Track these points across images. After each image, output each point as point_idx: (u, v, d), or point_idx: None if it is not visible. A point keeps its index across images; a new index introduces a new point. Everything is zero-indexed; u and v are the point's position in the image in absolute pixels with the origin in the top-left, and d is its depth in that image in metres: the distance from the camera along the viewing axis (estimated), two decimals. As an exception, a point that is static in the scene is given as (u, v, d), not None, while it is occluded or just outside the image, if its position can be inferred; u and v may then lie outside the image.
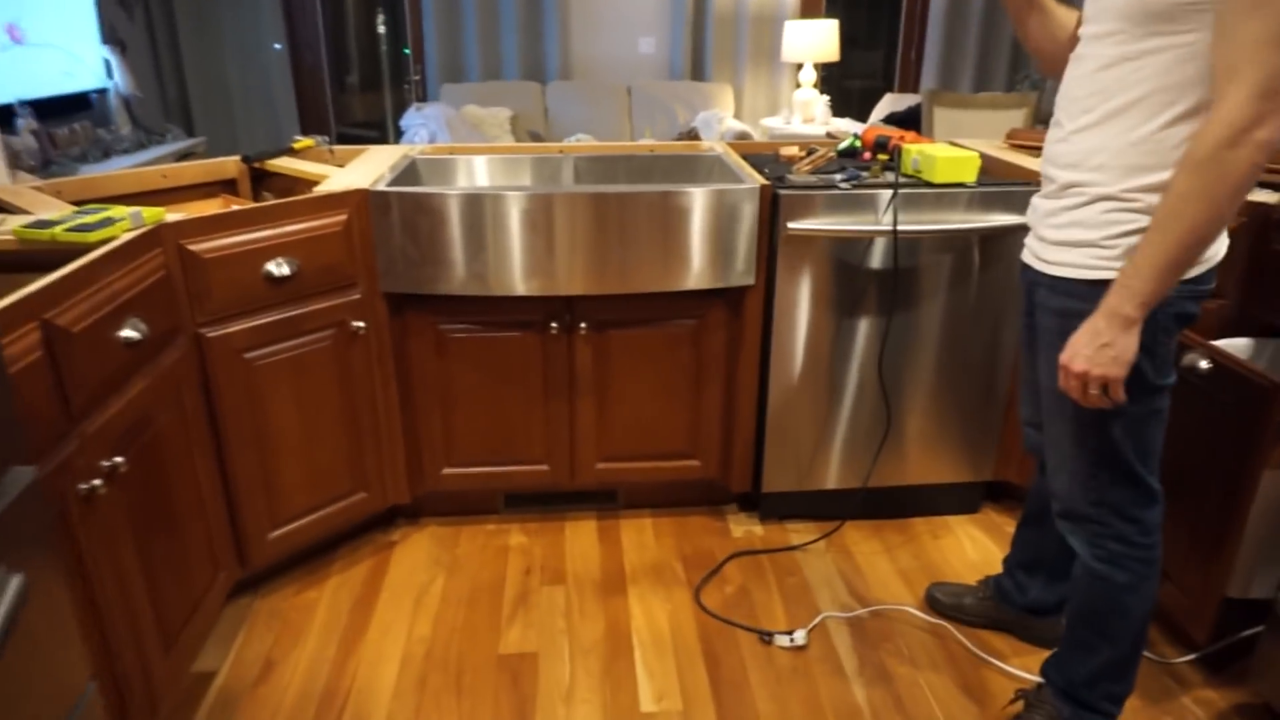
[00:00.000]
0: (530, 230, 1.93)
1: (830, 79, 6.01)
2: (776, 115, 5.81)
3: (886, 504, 2.31)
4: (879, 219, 1.98)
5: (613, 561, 2.13)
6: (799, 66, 5.47)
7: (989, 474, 2.27)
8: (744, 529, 2.27)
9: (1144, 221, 1.24)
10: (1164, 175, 1.22)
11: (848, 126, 5.36)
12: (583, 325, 2.05)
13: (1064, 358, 1.29)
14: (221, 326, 1.72)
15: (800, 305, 2.04)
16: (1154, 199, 1.23)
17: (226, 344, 1.73)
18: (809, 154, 2.33)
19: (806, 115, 5.48)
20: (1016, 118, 3.42)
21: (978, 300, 2.08)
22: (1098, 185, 1.28)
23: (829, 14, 5.69)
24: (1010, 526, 2.29)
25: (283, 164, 2.23)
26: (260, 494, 1.87)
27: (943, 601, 1.94)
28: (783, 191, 1.95)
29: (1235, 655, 1.81)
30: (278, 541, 1.93)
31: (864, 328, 2.08)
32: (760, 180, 2.00)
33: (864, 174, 2.07)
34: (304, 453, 1.92)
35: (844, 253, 2.01)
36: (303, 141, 2.35)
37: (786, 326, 2.06)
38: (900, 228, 1.96)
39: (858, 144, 2.30)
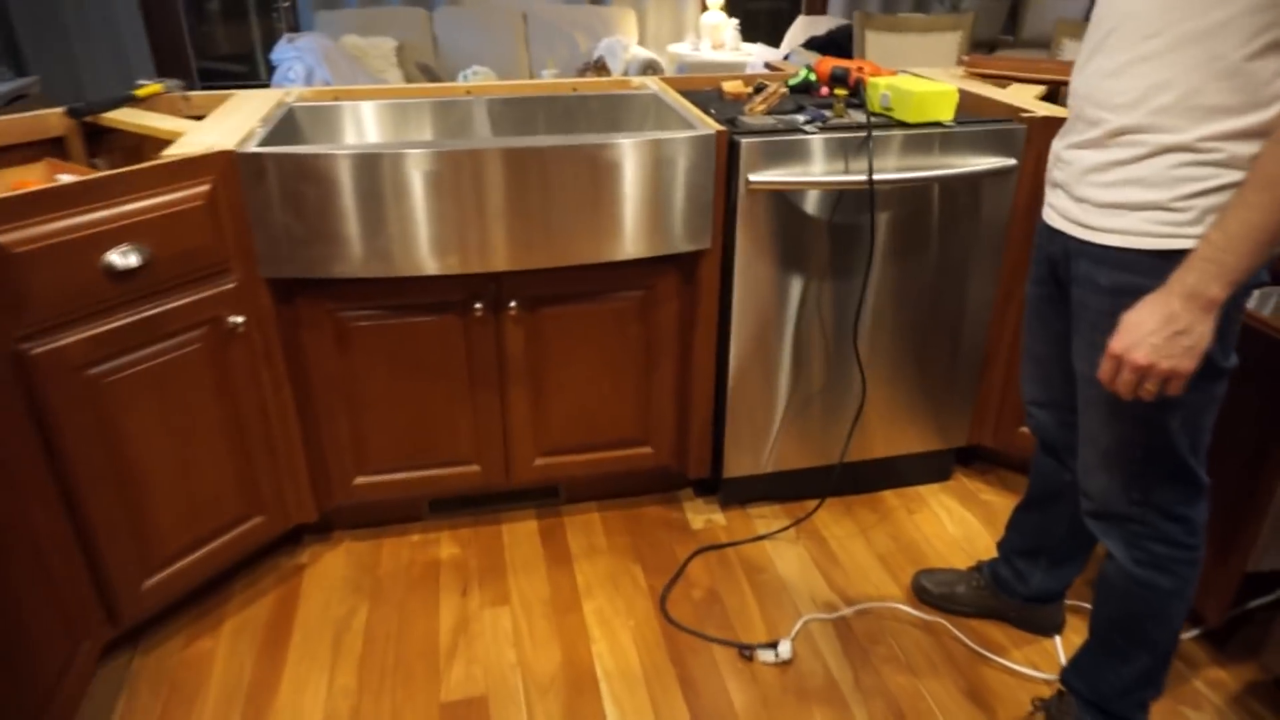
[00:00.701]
0: (442, 195, 1.59)
1: (734, 0, 5.67)
2: (683, 41, 5.47)
3: (854, 479, 2.11)
4: (848, 166, 1.72)
5: (562, 571, 1.87)
6: (706, -13, 5.12)
7: (963, 440, 2.09)
8: (704, 518, 2.03)
9: (1227, 177, 1.01)
10: (1252, 119, 0.99)
11: (762, 52, 5.06)
12: (512, 304, 1.73)
13: (1119, 346, 1.07)
14: (50, 339, 1.33)
15: (762, 269, 1.78)
16: (1240, 148, 1.00)
17: (59, 360, 1.34)
18: (757, 90, 2.04)
19: (716, 40, 5.16)
20: (952, 41, 3.19)
21: (952, 253, 1.86)
22: (1164, 132, 1.04)
23: (735, -71, 5.33)
24: (985, 492, 2.13)
25: (122, 117, 1.79)
26: (126, 538, 1.51)
27: (932, 592, 1.76)
28: (743, 139, 1.66)
29: (1237, 626, 1.70)
30: (155, 590, 1.58)
31: (833, 291, 1.84)
32: (714, 126, 1.70)
33: (827, 113, 1.80)
34: (179, 481, 1.57)
35: (809, 206, 1.75)
36: (148, 87, 1.91)
37: (747, 293, 1.80)
38: (876, 176, 1.71)
39: (812, 77, 2.02)
